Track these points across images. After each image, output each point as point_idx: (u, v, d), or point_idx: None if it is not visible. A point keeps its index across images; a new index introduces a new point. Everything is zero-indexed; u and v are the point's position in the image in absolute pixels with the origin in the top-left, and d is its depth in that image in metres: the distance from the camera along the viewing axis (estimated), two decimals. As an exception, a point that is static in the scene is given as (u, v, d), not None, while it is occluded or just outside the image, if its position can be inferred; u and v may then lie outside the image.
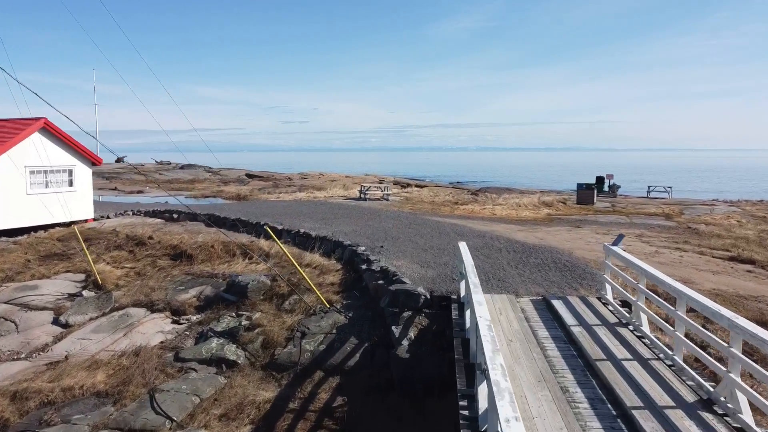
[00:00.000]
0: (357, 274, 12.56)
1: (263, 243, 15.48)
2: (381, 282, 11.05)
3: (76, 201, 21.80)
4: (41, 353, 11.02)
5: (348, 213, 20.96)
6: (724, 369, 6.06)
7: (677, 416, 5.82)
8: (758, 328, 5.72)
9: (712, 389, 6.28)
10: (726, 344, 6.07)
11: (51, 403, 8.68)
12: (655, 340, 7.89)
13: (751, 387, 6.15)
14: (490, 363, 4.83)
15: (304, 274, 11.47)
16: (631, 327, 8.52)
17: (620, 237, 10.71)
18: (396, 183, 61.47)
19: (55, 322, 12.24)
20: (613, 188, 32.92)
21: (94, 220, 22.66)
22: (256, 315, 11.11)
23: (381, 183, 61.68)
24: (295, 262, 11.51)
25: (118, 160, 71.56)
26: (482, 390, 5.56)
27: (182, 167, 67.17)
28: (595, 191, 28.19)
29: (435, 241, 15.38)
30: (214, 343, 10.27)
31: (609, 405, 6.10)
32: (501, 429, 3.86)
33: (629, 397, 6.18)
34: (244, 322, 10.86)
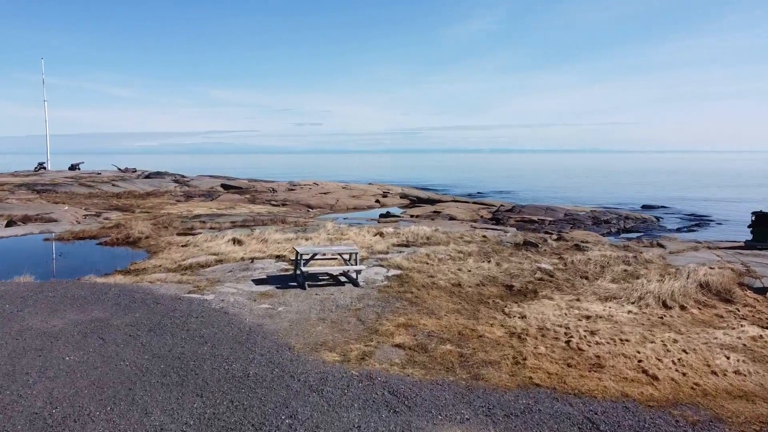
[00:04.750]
0: None
1: None
2: None
3: None
4: None
5: None
6: None
7: None
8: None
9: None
10: None
11: None
12: None
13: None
14: None
15: None
16: None
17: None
18: (404, 196, 45.80)
19: None
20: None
21: None
22: None
23: (386, 195, 45.93)
24: None
25: (72, 168, 56.70)
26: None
27: (148, 176, 51.94)
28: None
29: None
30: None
31: None
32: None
33: None
34: None
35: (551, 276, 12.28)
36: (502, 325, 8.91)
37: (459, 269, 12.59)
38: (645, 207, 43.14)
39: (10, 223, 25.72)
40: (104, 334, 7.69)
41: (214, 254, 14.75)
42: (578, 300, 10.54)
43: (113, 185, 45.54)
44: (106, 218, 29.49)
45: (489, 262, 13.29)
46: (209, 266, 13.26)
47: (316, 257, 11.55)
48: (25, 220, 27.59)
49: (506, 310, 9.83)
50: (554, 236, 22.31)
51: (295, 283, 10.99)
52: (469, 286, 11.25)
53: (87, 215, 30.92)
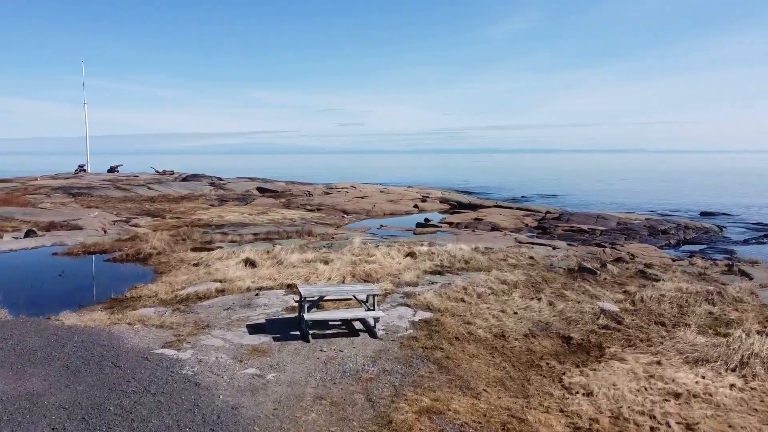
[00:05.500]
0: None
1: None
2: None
3: None
4: None
5: None
6: None
7: None
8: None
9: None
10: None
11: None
12: None
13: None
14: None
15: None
16: None
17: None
18: (444, 200, 43.31)
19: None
20: None
21: None
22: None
23: (425, 200, 43.55)
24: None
25: (111, 170, 56.33)
26: None
27: (185, 178, 50.96)
28: None
29: None
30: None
31: None
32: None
33: None
34: None
35: (619, 322, 9.71)
36: (561, 410, 6.48)
37: (502, 310, 10.15)
38: (704, 214, 39.33)
39: (29, 233, 24.51)
40: (20, 426, 5.64)
41: (219, 281, 12.75)
42: (659, 363, 7.99)
43: (149, 188, 44.65)
44: (135, 224, 28.21)
45: (539, 300, 10.79)
46: (208, 299, 11.23)
47: (325, 299, 9.33)
48: (50, 227, 26.42)
49: (565, 379, 7.39)
50: (609, 251, 19.60)
51: (297, 332, 8.80)
52: (516, 339, 8.81)
53: (116, 221, 29.73)
